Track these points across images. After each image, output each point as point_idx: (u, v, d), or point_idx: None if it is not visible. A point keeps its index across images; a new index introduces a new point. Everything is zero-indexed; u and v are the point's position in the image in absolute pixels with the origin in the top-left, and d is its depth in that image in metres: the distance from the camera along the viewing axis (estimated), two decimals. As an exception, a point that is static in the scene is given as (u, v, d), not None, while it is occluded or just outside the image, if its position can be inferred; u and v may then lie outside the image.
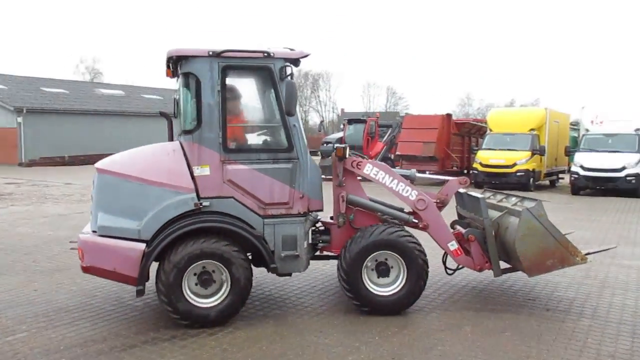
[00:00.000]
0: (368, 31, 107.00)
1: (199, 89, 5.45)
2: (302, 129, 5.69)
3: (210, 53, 5.41)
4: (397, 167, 24.59)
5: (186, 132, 5.52)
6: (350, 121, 26.01)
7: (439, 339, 5.02)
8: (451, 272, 6.59)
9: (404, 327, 5.29)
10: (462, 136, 23.88)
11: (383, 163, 6.29)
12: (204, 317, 5.23)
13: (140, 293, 5.20)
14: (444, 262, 6.61)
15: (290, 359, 4.55)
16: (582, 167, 18.28)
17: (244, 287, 5.29)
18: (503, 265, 6.09)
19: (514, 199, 6.57)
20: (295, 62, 5.69)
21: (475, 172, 21.03)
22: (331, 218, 6.12)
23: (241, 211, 5.44)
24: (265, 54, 5.53)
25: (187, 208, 5.28)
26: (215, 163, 5.42)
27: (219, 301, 5.29)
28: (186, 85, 5.64)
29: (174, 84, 6.19)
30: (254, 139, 6.08)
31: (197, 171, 5.39)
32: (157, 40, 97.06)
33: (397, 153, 22.84)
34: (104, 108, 35.80)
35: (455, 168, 23.21)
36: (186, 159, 5.42)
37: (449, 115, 22.72)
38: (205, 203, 5.32)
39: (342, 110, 75.46)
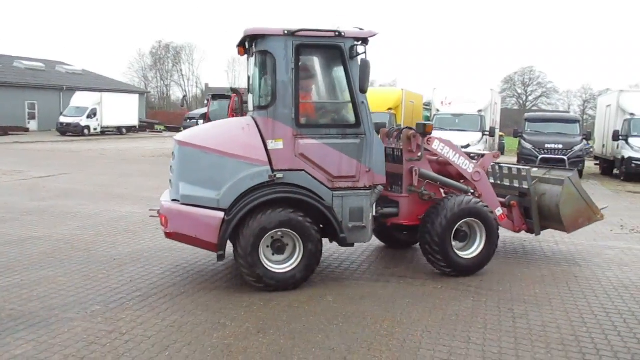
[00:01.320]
0: (233, 3, 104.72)
1: (274, 67, 5.72)
2: (368, 106, 5.97)
3: (286, 32, 5.69)
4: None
5: (260, 108, 5.85)
6: (215, 97, 25.35)
7: (304, 310, 5.17)
8: None
9: (269, 301, 5.36)
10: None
11: (447, 139, 6.87)
12: (277, 282, 5.63)
13: (221, 258, 5.58)
14: None
15: (154, 341, 4.39)
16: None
17: (315, 255, 5.73)
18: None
19: (538, 169, 7.86)
20: (365, 41, 5.91)
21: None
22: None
23: (312, 184, 5.79)
24: (337, 33, 5.81)
25: (262, 180, 5.64)
26: (288, 137, 5.72)
27: (292, 267, 5.72)
28: (262, 63, 5.94)
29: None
30: (325, 115, 6.32)
31: (270, 145, 5.71)
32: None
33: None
34: None
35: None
36: (260, 133, 5.73)
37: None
38: (279, 175, 5.68)
39: (207, 85, 73.42)
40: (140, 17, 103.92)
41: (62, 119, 36.91)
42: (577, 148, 18.72)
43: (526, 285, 6.13)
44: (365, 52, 5.79)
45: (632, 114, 19.37)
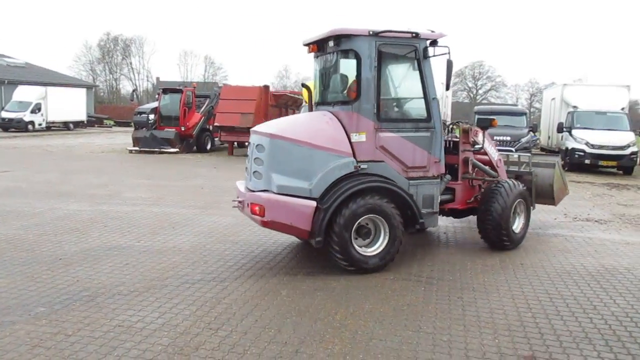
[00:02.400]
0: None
1: (359, 65, 6.25)
2: (438, 102, 6.69)
3: (371, 32, 6.22)
4: (216, 139, 24.37)
5: (344, 103, 6.45)
6: (166, 90, 24.88)
7: (256, 304, 5.14)
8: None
9: (222, 299, 5.30)
10: (279, 108, 24.35)
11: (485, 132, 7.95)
12: (365, 265, 6.12)
13: (319, 244, 5.90)
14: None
15: (101, 342, 4.26)
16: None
17: (398, 239, 6.22)
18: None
19: (524, 154, 9.53)
20: (434, 42, 6.53)
21: (292, 142, 21.71)
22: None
23: (392, 174, 6.39)
24: (414, 35, 6.43)
25: (348, 170, 6.13)
26: (370, 131, 6.27)
27: (378, 250, 6.19)
28: (346, 60, 6.55)
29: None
30: (401, 110, 6.96)
31: (354, 138, 6.23)
32: None
33: (215, 124, 22.52)
34: None
35: (273, 139, 23.65)
36: (343, 126, 6.23)
37: (266, 87, 22.98)
38: (363, 166, 6.21)
39: (158, 79, 71.83)
40: (86, 7, 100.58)
41: (4, 114, 35.35)
42: (524, 140, 19.33)
43: (475, 274, 6.30)
44: (449, 53, 6.46)
45: (575, 107, 20.15)
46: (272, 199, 5.96)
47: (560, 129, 19.73)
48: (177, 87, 25.10)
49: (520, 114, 21.83)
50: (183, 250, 6.99)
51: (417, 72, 6.55)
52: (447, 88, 6.86)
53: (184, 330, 4.52)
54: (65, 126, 39.58)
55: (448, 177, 7.09)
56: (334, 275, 6.09)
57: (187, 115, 23.62)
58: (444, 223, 9.17)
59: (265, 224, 6.06)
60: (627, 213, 10.88)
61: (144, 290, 5.49)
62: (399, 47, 6.56)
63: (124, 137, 32.01)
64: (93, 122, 46.25)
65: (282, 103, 24.56)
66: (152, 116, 25.66)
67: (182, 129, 23.25)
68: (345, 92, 6.55)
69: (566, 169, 19.56)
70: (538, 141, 25.94)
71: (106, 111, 55.65)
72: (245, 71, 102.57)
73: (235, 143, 23.73)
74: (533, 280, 6.11)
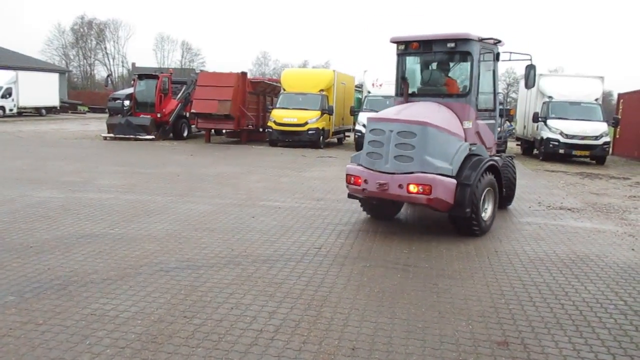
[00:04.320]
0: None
1: (471, 65, 7.87)
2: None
3: (478, 38, 7.90)
4: (192, 126, 24.10)
5: (459, 96, 8.02)
6: (141, 76, 24.49)
7: (232, 292, 5.09)
8: None
9: (197, 286, 5.24)
10: (257, 95, 24.21)
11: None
12: (486, 229, 7.70)
13: (468, 214, 7.25)
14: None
15: (73, 331, 4.19)
16: (364, 126, 19.98)
17: (497, 206, 8.03)
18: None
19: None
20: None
21: (270, 130, 21.61)
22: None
23: (485, 153, 8.01)
24: (496, 42, 8.32)
25: (467, 152, 7.52)
26: (473, 119, 7.93)
27: (489, 215, 7.78)
28: (459, 60, 8.30)
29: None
30: (484, 102, 8.37)
31: (465, 125, 7.80)
32: None
33: (192, 111, 22.27)
34: None
35: (250, 126, 23.53)
36: (456, 115, 7.76)
37: (244, 74, 22.78)
38: (473, 147, 7.71)
39: (134, 64, 70.66)
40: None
41: (-27, 99, 34.42)
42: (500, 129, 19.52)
43: (450, 261, 6.35)
44: (531, 59, 8.44)
45: (550, 97, 20.41)
46: (437, 179, 6.99)
47: (535, 118, 19.97)
48: (153, 73, 24.73)
49: None
50: (158, 238, 6.91)
51: (492, 71, 8.45)
52: (528, 87, 8.80)
53: (158, 319, 4.46)
54: (37, 112, 38.73)
55: (504, 155, 9.71)
56: (310, 263, 6.08)
57: (163, 101, 23.32)
58: (420, 211, 9.24)
59: (429, 201, 7.08)
60: (599, 202, 11.09)
61: (117, 278, 5.41)
62: (488, 51, 8.23)
63: (98, 124, 31.47)
64: (66, 108, 45.36)
65: (259, 90, 24.40)
66: (127, 102, 25.21)
67: (158, 115, 22.94)
68: (458, 86, 8.23)
69: (541, 158, 19.93)
70: (514, 130, 26.26)
71: (80, 97, 54.59)
72: (223, 58, 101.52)
73: (212, 130, 23.52)
74: (507, 268, 6.19)
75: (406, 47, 8.29)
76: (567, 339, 4.35)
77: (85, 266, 5.74)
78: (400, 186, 7.07)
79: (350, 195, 8.18)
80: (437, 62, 8.37)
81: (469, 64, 7.86)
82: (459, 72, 8.35)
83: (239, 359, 3.82)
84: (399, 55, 8.47)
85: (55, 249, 6.30)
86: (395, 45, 8.49)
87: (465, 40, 7.80)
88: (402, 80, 8.46)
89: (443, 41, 7.96)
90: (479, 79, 7.91)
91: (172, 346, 3.99)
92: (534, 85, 8.80)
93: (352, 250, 6.66)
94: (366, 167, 7.50)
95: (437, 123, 7.22)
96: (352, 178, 7.62)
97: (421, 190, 6.96)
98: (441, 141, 7.21)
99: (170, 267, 5.79)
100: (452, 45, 7.88)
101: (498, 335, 4.38)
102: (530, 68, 8.37)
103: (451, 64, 8.41)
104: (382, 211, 8.52)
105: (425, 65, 8.52)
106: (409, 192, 7.02)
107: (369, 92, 22.52)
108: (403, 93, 8.36)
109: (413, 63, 8.60)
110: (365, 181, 7.38)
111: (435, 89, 8.25)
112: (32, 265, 5.70)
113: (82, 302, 4.76)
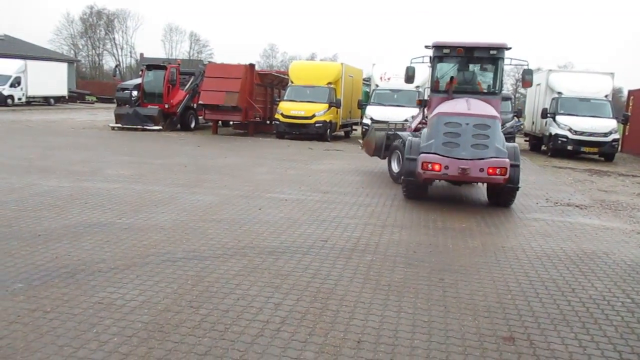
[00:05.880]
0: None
1: (502, 68, 10.17)
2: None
3: (506, 46, 10.01)
4: (200, 117, 24.12)
5: (491, 93, 10.25)
6: (150, 67, 24.50)
7: (238, 283, 5.11)
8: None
9: (204, 277, 5.27)
10: (265, 87, 24.18)
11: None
12: None
13: (518, 189, 9.28)
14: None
15: (80, 319, 4.22)
16: (371, 119, 19.94)
17: None
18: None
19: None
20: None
21: (277, 122, 21.59)
22: None
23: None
24: (508, 48, 10.02)
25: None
26: (498, 110, 9.78)
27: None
28: (495, 64, 10.22)
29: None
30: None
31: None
32: None
33: (200, 102, 22.27)
34: None
35: (257, 118, 23.52)
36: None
37: (252, 66, 22.74)
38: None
39: (142, 55, 70.65)
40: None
41: (-18, 88, 34.58)
42: (508, 125, 19.41)
43: (457, 256, 6.34)
44: (528, 65, 10.33)
45: (559, 93, 20.27)
46: (507, 162, 8.68)
47: (544, 114, 19.85)
48: (161, 64, 24.73)
49: (505, 98, 21.90)
50: (165, 228, 6.93)
51: (499, 72, 10.27)
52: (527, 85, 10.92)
53: (165, 308, 4.49)
54: (46, 101, 38.87)
55: None
56: (316, 256, 6.09)
57: (171, 92, 23.33)
58: (428, 205, 9.22)
59: (505, 181, 8.72)
60: (607, 199, 11.03)
61: (124, 267, 5.44)
62: (503, 56, 10.05)
63: (106, 114, 31.55)
64: (75, 97, 45.50)
65: (267, 82, 24.37)
66: (135, 93, 25.25)
67: (166, 106, 22.97)
68: (490, 86, 10.26)
69: (549, 154, 19.83)
70: (522, 126, 26.11)
71: (88, 87, 54.71)
72: (231, 49, 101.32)
73: (220, 122, 23.53)
74: (513, 263, 6.17)
75: (451, 51, 10.10)
76: (574, 335, 4.34)
77: (92, 255, 5.77)
78: (481, 170, 8.58)
79: (408, 180, 9.48)
80: (474, 65, 10.39)
81: (498, 67, 10.08)
82: (484, 72, 10.50)
83: (245, 350, 3.84)
84: (436, 57, 10.27)
85: (63, 238, 6.34)
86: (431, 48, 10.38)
87: (502, 49, 9.92)
88: (450, 79, 10.12)
89: (485, 48, 10.03)
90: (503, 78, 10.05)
91: (178, 335, 4.01)
92: (531, 85, 11.02)
93: (358, 244, 6.66)
94: (443, 155, 8.69)
95: (499, 116, 9.15)
96: (430, 165, 8.72)
97: (498, 172, 8.56)
98: (500, 130, 9.00)
99: (177, 257, 5.82)
100: (494, 52, 9.94)
101: (504, 330, 4.37)
102: (526, 72, 10.17)
103: (485, 67, 10.46)
104: (420, 193, 9.71)
105: (463, 67, 10.41)
106: (488, 174, 8.58)
107: (377, 86, 22.43)
108: (448, 90, 10.01)
109: (449, 65, 10.38)
110: (446, 167, 8.63)
111: (471, 87, 10.31)
112: (41, 254, 5.74)
113: (89, 291, 4.79)
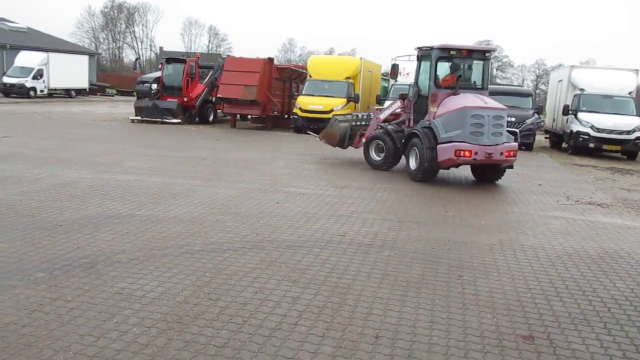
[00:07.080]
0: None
1: (490, 67, 12.27)
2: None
3: (495, 48, 15.08)
4: (219, 111, 24.22)
5: (483, 89, 11.52)
6: (169, 60, 24.62)
7: (256, 276, 5.13)
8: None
9: (222, 269, 5.29)
10: (283, 81, 24.16)
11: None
12: None
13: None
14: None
15: (100, 309, 4.27)
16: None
17: None
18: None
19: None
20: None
21: (295, 117, 21.58)
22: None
23: None
24: (495, 49, 13.64)
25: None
26: None
27: None
28: (486, 65, 11.63)
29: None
30: None
31: None
32: None
33: (219, 95, 22.35)
34: None
35: (276, 112, 23.53)
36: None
37: (270, 60, 22.73)
38: None
39: (161, 48, 71.06)
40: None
41: (6, 79, 35.10)
42: (529, 121, 19.20)
43: (476, 254, 6.28)
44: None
45: (582, 90, 19.93)
46: (516, 146, 10.94)
47: (565, 111, 19.55)
48: (181, 57, 24.85)
49: (526, 95, 21.63)
50: (184, 221, 6.98)
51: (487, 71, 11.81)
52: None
53: (183, 300, 4.52)
54: (67, 93, 39.32)
55: None
56: (334, 251, 6.08)
57: (190, 86, 23.43)
58: (444, 201, 9.15)
59: (513, 161, 10.90)
60: (629, 198, 10.84)
61: (144, 259, 5.49)
62: (491, 58, 11.96)
63: (126, 106, 31.85)
64: (95, 90, 45.94)
65: (285, 76, 24.35)
66: (154, 86, 25.40)
67: (185, 99, 23.08)
68: (481, 82, 11.52)
69: (570, 152, 19.54)
70: (542, 123, 25.76)
71: (108, 79, 55.27)
72: (249, 43, 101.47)
73: (238, 115, 23.59)
74: (533, 262, 6.10)
75: (457, 52, 11.30)
76: (595, 335, 4.28)
77: (112, 246, 5.84)
78: (501, 153, 10.42)
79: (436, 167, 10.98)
80: (479, 66, 11.56)
81: (488, 66, 11.70)
82: (477, 71, 11.69)
83: (263, 343, 3.85)
84: (440, 57, 11.31)
85: (83, 228, 6.42)
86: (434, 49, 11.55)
87: (493, 51, 12.50)
88: (457, 77, 11.23)
89: (481, 51, 11.74)
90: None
91: (197, 327, 4.03)
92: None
93: (376, 239, 6.64)
94: (472, 143, 10.28)
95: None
96: (462, 152, 10.26)
97: (512, 154, 10.62)
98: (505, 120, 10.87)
99: (196, 249, 5.85)
100: (489, 54, 11.68)
101: (523, 329, 4.32)
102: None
103: (477, 66, 11.66)
104: (432, 177, 11.26)
105: (466, 67, 11.61)
106: (506, 156, 10.51)
107: (396, 81, 22.28)
108: (455, 87, 11.10)
109: (458, 65, 11.55)
110: (476, 153, 10.24)
111: (468, 84, 11.47)
112: (62, 244, 5.82)
113: (109, 281, 4.84)
